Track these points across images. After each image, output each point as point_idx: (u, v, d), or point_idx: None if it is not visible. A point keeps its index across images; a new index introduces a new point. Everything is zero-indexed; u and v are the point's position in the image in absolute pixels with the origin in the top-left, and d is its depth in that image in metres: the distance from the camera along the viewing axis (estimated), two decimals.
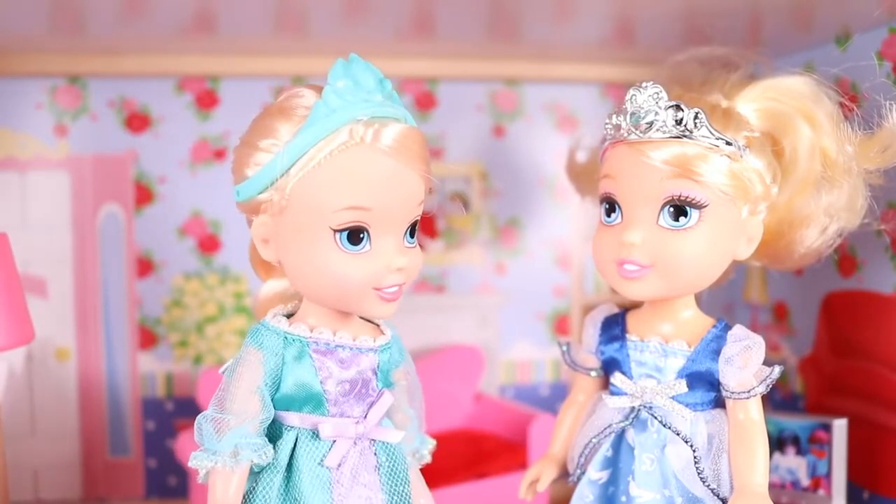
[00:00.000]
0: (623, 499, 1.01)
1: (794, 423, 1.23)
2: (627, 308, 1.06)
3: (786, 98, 1.01)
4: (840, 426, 1.20)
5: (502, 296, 1.62)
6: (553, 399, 1.63)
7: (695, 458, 0.96)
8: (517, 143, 1.61)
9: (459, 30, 1.32)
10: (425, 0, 1.15)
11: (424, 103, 1.57)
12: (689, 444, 0.97)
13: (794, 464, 1.23)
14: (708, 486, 0.96)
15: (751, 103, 1.01)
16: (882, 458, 1.20)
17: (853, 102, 1.01)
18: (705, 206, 0.93)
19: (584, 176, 1.23)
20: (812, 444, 1.21)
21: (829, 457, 1.20)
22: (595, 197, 1.20)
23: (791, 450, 1.23)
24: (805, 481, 1.22)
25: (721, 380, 0.97)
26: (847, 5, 1.12)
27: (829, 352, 1.32)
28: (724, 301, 1.56)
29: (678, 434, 0.97)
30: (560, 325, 1.64)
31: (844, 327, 1.28)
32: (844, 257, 1.27)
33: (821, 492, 1.20)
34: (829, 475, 1.20)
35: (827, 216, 1.02)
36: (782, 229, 1.02)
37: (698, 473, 0.96)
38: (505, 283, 1.62)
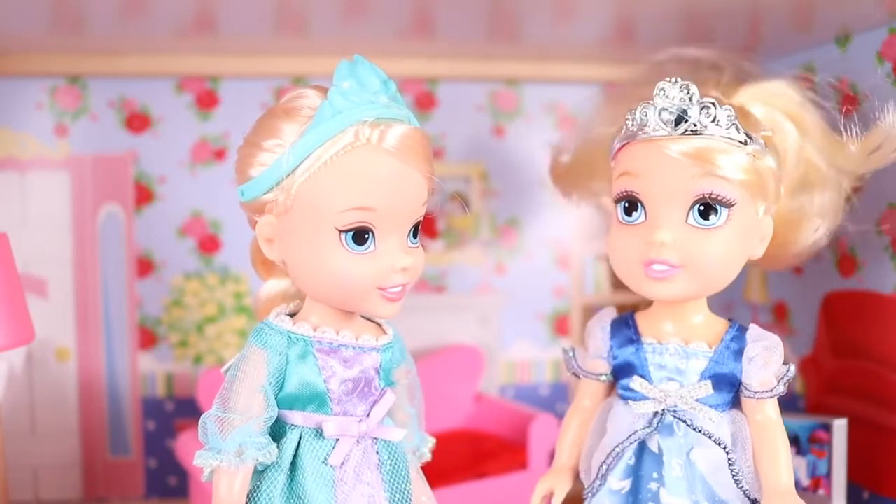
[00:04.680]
0: None
1: (794, 423, 1.23)
2: (635, 310, 1.05)
3: (773, 100, 1.01)
4: (840, 426, 1.20)
5: (502, 296, 1.62)
6: (553, 399, 1.63)
7: (729, 460, 0.95)
8: (517, 143, 1.61)
9: (459, 30, 1.32)
10: (425, 0, 1.15)
11: (424, 103, 1.57)
12: (722, 445, 0.95)
13: (794, 464, 1.22)
14: (741, 487, 0.95)
15: (750, 104, 1.01)
16: (882, 458, 1.20)
17: (853, 103, 1.01)
18: (734, 205, 0.92)
19: (568, 176, 1.21)
20: (812, 444, 1.21)
21: (829, 457, 1.20)
22: (581, 195, 1.19)
23: (791, 450, 1.23)
24: (805, 481, 1.22)
25: (743, 380, 0.96)
26: (847, 6, 1.12)
27: (829, 352, 1.32)
28: (724, 301, 1.56)
29: (710, 437, 0.96)
30: (560, 325, 1.64)
31: (844, 327, 1.29)
32: (844, 257, 1.27)
33: (821, 492, 1.20)
34: (829, 475, 1.20)
35: (819, 216, 1.03)
36: (779, 230, 1.02)
37: (733, 475, 0.95)
38: (505, 283, 1.62)
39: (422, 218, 0.89)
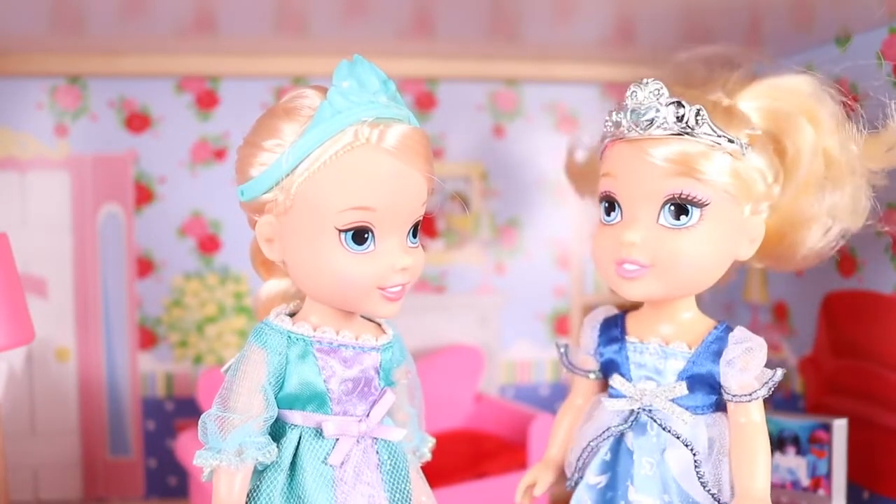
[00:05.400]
0: (622, 503, 1.00)
1: (794, 423, 1.23)
2: (627, 309, 1.05)
3: (788, 97, 1.00)
4: (840, 426, 1.20)
5: (502, 296, 1.62)
6: (553, 399, 1.63)
7: (695, 462, 0.95)
8: (517, 143, 1.61)
9: (459, 30, 1.32)
10: (425, 0, 1.15)
11: (424, 103, 1.57)
12: (690, 447, 0.95)
13: (794, 464, 1.23)
14: (708, 490, 0.95)
15: (752, 101, 1.00)
16: (882, 458, 1.20)
17: (854, 102, 1.00)
18: (706, 205, 0.92)
19: (583, 175, 1.22)
20: (812, 444, 1.21)
21: (829, 457, 1.20)
22: (595, 196, 1.19)
23: (791, 450, 1.23)
24: (805, 481, 1.22)
25: (722, 382, 0.96)
26: (847, 5, 1.12)
27: (829, 352, 1.32)
28: (724, 301, 1.56)
29: (678, 438, 0.96)
30: (560, 325, 1.64)
31: (844, 327, 1.28)
32: (844, 257, 1.27)
33: (821, 492, 1.20)
34: (829, 475, 1.20)
35: (830, 217, 1.01)
36: (784, 230, 1.01)
37: (699, 478, 0.95)
38: (505, 283, 1.62)
39: (421, 218, 0.89)
